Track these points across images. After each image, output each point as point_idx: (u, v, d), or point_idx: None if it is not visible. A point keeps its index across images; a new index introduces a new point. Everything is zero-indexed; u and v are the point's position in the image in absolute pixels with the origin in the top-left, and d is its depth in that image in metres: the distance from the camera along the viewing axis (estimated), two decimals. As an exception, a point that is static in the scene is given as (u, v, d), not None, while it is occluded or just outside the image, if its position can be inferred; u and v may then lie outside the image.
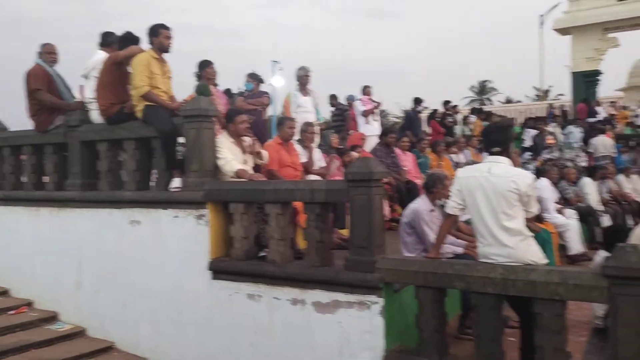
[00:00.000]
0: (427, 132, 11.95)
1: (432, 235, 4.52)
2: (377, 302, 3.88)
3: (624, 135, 17.29)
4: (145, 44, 5.44)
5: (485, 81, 69.75)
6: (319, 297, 4.16)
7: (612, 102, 26.93)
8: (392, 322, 3.92)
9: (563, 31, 30.70)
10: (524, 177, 3.52)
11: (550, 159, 10.40)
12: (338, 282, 4.05)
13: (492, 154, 3.71)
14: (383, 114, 60.63)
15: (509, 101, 68.26)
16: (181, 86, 6.17)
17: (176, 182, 5.09)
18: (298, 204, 4.74)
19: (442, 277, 3.69)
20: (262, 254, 4.71)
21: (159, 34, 5.26)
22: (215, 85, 6.58)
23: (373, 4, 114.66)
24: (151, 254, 5.21)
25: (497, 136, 3.75)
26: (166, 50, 5.34)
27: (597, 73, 30.50)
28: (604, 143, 12.97)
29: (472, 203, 3.65)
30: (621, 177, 10.81)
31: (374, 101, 10.26)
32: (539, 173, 8.43)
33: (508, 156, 3.71)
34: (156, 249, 5.17)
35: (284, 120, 6.35)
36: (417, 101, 12.01)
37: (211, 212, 4.82)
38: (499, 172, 3.55)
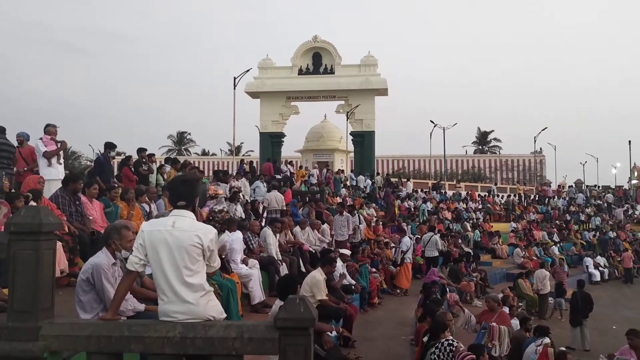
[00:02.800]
0: (118, 180, 11.36)
1: (113, 293, 4.14)
2: (41, 375, 3.31)
3: (300, 192, 19.54)
4: None
5: (184, 132, 71.53)
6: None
7: (291, 161, 30.29)
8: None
9: (253, 95, 33.83)
10: (207, 232, 3.52)
11: (214, 210, 10.89)
12: (-9, 356, 3.34)
13: (177, 207, 3.62)
14: (74, 157, 55.96)
15: (204, 153, 71.31)
16: None
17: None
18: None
19: (119, 340, 3.37)
20: None
21: None
22: None
23: (62, 37, 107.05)
24: None
25: (183, 189, 3.68)
26: None
27: (281, 135, 34.34)
28: (276, 198, 14.35)
29: (155, 258, 3.47)
30: (297, 229, 12.07)
31: (57, 141, 9.29)
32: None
33: (193, 210, 3.67)
34: None
35: None
36: (109, 146, 11.35)
37: None
38: (183, 226, 3.48)
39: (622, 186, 47.76)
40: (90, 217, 7.63)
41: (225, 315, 3.67)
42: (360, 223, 15.08)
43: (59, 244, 6.51)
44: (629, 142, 47.94)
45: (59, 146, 9.33)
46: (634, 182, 45.61)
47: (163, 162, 14.19)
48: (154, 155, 13.60)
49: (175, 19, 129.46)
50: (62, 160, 9.53)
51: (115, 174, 12.13)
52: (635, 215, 37.50)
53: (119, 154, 24.44)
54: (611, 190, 43.89)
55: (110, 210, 8.34)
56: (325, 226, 13.30)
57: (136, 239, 3.59)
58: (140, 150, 12.63)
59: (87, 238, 7.21)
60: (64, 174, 9.09)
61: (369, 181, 25.14)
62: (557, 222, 29.72)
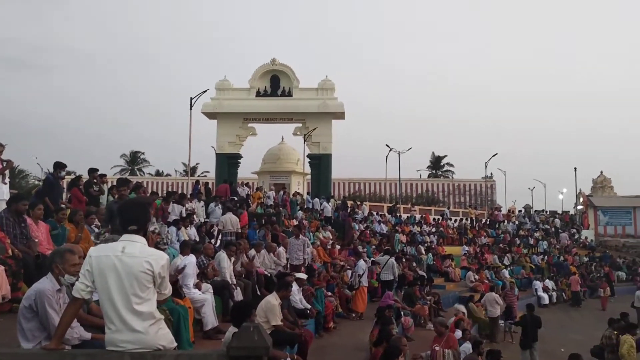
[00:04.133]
0: (67, 201, 10.99)
1: (58, 320, 3.95)
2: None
3: (256, 214, 19.38)
4: None
5: (138, 152, 70.07)
6: None
7: (247, 183, 30.08)
8: None
9: (210, 115, 33.57)
10: (159, 258, 3.42)
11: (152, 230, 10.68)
12: None
13: (127, 232, 3.51)
14: (22, 175, 53.94)
15: (158, 174, 69.99)
16: None
17: None
18: None
19: (62, 371, 3.22)
20: None
21: None
22: None
23: (11, 52, 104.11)
24: None
25: (133, 213, 3.57)
26: None
27: (238, 156, 34.12)
28: (231, 220, 14.18)
29: (102, 285, 3.35)
30: (252, 252, 11.93)
31: (3, 160, 8.94)
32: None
33: (144, 235, 3.56)
34: None
35: None
36: (59, 166, 10.98)
37: None
38: (133, 252, 3.37)
39: (569, 211, 49.53)
40: (36, 240, 7.34)
41: (175, 344, 3.56)
42: (307, 247, 14.47)
43: (0, 268, 6.21)
44: (575, 169, 49.90)
45: (4, 165, 8.98)
46: (579, 207, 47.35)
47: (115, 183, 13.83)
48: (105, 175, 13.26)
49: (131, 38, 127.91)
50: (7, 180, 9.17)
51: (66, 194, 11.75)
52: (581, 240, 38.92)
53: (69, 173, 23.67)
54: (558, 215, 45.40)
55: (58, 232, 8.04)
56: (281, 249, 13.18)
57: (83, 264, 3.46)
58: (92, 171, 12.28)
59: (32, 261, 6.91)
60: (9, 194, 8.74)
61: (326, 204, 25.17)
62: (503, 245, 30.42)
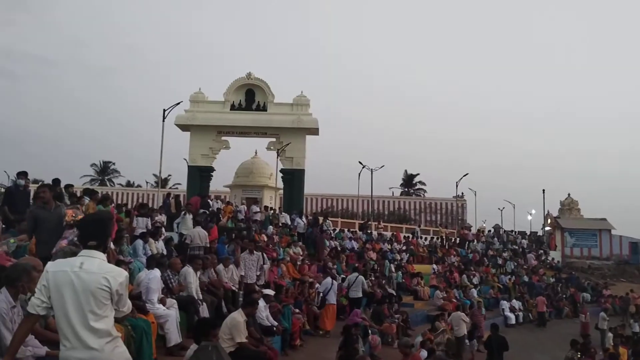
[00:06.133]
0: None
1: (10, 338, 3.85)
2: None
3: (227, 228, 19.23)
4: None
5: (108, 162, 69.01)
6: None
7: (219, 196, 29.85)
8: None
9: (183, 127, 33.33)
10: (117, 275, 3.36)
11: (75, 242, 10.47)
12: None
13: (87, 247, 3.45)
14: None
15: (129, 184, 68.99)
16: None
17: None
18: None
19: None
20: None
21: None
22: None
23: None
24: None
25: (94, 228, 3.52)
26: None
27: (210, 169, 33.88)
28: (200, 234, 14.00)
29: (58, 301, 3.28)
30: (220, 267, 11.80)
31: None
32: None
33: (104, 251, 3.51)
34: None
35: None
36: (21, 174, 10.75)
37: None
38: (91, 268, 3.31)
39: (537, 232, 50.40)
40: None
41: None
42: (264, 263, 13.64)
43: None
44: (543, 190, 50.99)
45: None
46: (547, 228, 48.26)
47: (82, 194, 13.57)
48: (72, 186, 13.00)
49: (106, 47, 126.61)
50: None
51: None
52: (549, 261, 39.61)
53: (36, 182, 23.16)
54: (527, 236, 46.16)
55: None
56: (232, 266, 12.57)
57: (40, 279, 3.39)
58: (56, 182, 12.03)
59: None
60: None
61: (299, 220, 25.07)
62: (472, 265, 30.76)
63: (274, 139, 33.53)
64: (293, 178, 33.07)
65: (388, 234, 33.43)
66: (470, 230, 39.83)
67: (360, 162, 41.39)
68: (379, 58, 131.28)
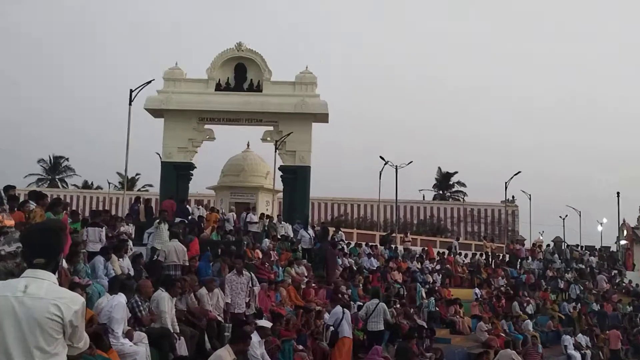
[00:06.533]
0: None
1: None
2: None
3: (211, 241, 19.27)
4: None
5: (60, 157, 69.48)
6: None
7: (201, 201, 29.89)
8: None
9: (156, 113, 33.37)
10: (71, 301, 3.36)
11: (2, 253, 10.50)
12: None
13: (32, 266, 3.46)
14: None
15: (86, 186, 69.43)
16: None
17: None
18: None
19: None
20: None
21: None
22: None
23: None
24: None
25: (41, 242, 3.52)
26: None
27: (190, 166, 33.90)
28: (176, 249, 13.98)
29: (-4, 334, 3.29)
30: (203, 291, 11.84)
31: None
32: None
33: (54, 270, 3.52)
34: None
35: None
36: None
37: None
38: (37, 293, 3.31)
39: (609, 247, 50.07)
40: None
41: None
42: (254, 285, 13.53)
43: None
44: (617, 194, 50.25)
45: None
46: (622, 242, 47.87)
47: (27, 198, 13.66)
48: (13, 187, 13.09)
49: (61, 14, 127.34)
50: None
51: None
52: (624, 284, 39.24)
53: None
54: (597, 252, 45.81)
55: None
56: (217, 290, 12.58)
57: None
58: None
59: None
60: None
61: (304, 232, 25.08)
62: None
63: (271, 128, 33.57)
64: (296, 177, 33.10)
65: (417, 249, 33.39)
66: (523, 245, 39.75)
67: (381, 157, 41.32)
68: (400, 36, 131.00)
